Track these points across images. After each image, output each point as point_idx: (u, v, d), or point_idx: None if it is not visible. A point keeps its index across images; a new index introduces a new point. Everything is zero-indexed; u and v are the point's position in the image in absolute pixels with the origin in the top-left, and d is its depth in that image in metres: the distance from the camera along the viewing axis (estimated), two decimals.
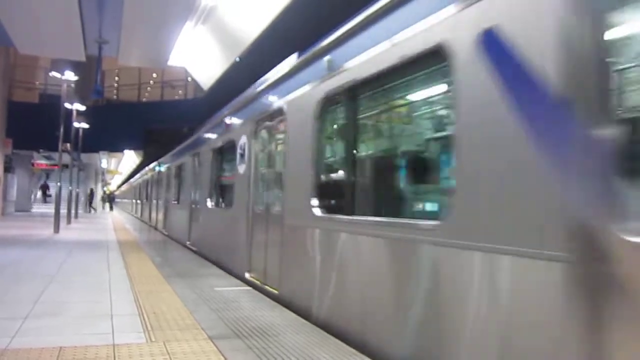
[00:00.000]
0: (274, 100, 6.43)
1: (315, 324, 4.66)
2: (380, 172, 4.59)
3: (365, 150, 4.83)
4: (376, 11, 4.07)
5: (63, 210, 18.23)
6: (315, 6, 10.75)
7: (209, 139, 10.58)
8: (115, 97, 37.86)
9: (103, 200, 48.65)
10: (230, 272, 7.78)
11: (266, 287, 6.31)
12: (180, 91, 36.38)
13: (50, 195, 36.27)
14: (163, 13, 16.04)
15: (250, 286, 6.59)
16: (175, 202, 14.74)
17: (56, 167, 34.23)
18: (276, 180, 6.45)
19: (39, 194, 43.26)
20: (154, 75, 36.61)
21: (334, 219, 4.69)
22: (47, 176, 45.30)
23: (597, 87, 2.25)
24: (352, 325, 4.21)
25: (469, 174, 2.97)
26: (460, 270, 2.99)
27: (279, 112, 6.19)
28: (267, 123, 6.82)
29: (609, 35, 2.28)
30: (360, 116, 4.71)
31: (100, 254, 10.14)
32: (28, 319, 4.61)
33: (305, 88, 5.38)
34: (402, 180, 4.42)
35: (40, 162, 35.98)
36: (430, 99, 4.12)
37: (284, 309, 5.31)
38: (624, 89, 2.32)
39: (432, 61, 3.51)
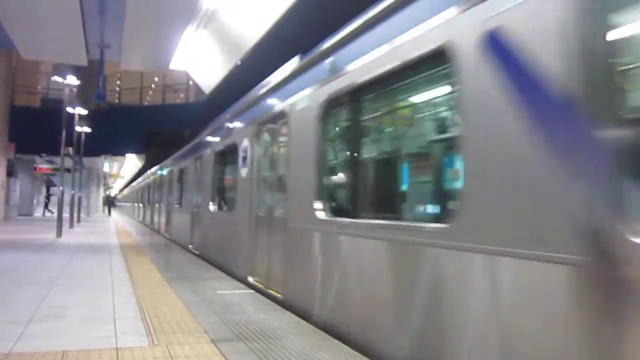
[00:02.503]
0: None
1: None
2: None
3: None
4: None
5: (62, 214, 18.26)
6: (317, 9, 10.78)
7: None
8: (117, 101, 37.98)
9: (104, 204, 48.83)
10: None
11: None
12: (181, 95, 36.52)
13: (55, 185, 36.28)
14: (164, 17, 16.12)
15: None
16: (218, 207, 9.90)
17: (52, 171, 34.46)
18: None
19: (43, 190, 43.42)
20: (156, 79, 36.78)
21: None
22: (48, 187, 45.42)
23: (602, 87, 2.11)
24: None
25: None
26: None
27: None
28: None
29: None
30: None
31: (102, 257, 10.16)
32: (31, 323, 4.63)
33: None
34: None
35: (43, 166, 36.08)
36: None
37: (287, 312, 5.31)
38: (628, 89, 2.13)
39: None
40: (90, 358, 3.62)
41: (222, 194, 9.97)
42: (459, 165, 3.22)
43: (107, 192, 58.36)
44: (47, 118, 24.19)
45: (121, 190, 65.59)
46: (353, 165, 4.78)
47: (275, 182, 6.58)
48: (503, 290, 2.74)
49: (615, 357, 2.17)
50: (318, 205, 5.09)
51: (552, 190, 2.43)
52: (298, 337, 4.28)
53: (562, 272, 2.37)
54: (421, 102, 4.21)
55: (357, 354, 3.82)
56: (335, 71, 4.80)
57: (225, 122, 9.52)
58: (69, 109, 19.81)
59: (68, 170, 23.25)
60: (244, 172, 7.78)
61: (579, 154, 2.32)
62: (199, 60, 22.41)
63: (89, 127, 26.26)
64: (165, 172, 18.17)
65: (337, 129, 5.28)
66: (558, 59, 2.41)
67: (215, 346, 3.99)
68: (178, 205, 14.68)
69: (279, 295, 5.89)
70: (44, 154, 31.78)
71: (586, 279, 2.28)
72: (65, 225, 18.39)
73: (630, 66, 2.36)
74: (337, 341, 4.16)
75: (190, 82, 31.43)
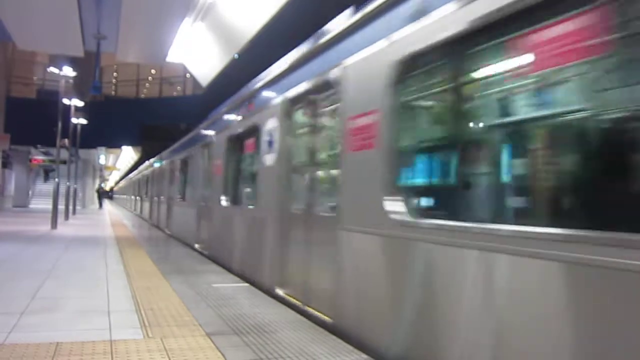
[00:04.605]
0: None
1: None
2: None
3: None
4: None
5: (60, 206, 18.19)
6: (315, 2, 10.72)
7: None
8: (113, 93, 37.81)
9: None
10: None
11: None
12: (178, 87, 36.37)
13: (53, 170, 36.24)
14: (162, 9, 16.02)
15: None
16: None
17: (47, 163, 34.34)
18: None
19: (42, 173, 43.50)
20: (153, 71, 36.59)
21: None
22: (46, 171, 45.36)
23: None
24: None
25: None
26: None
27: None
28: None
29: None
30: None
31: (97, 250, 10.12)
32: (25, 314, 4.60)
33: None
34: None
35: (38, 157, 35.95)
36: None
37: (282, 305, 5.30)
38: None
39: None
40: (84, 350, 3.59)
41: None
42: None
43: (102, 184, 58.02)
44: (43, 109, 24.09)
45: (117, 181, 65.16)
46: None
47: None
48: None
49: None
50: None
51: None
52: (293, 332, 4.27)
53: None
54: None
55: (352, 348, 3.82)
56: None
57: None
58: (65, 101, 19.71)
59: (64, 162, 23.16)
60: None
61: None
62: (196, 53, 22.30)
63: (85, 118, 26.14)
64: (193, 152, 11.55)
65: None
66: None
67: (210, 339, 3.97)
68: (226, 199, 8.42)
69: None
70: (39, 146, 31.66)
71: None
72: (61, 217, 18.33)
73: None
74: (333, 336, 4.15)
75: (188, 75, 31.30)
